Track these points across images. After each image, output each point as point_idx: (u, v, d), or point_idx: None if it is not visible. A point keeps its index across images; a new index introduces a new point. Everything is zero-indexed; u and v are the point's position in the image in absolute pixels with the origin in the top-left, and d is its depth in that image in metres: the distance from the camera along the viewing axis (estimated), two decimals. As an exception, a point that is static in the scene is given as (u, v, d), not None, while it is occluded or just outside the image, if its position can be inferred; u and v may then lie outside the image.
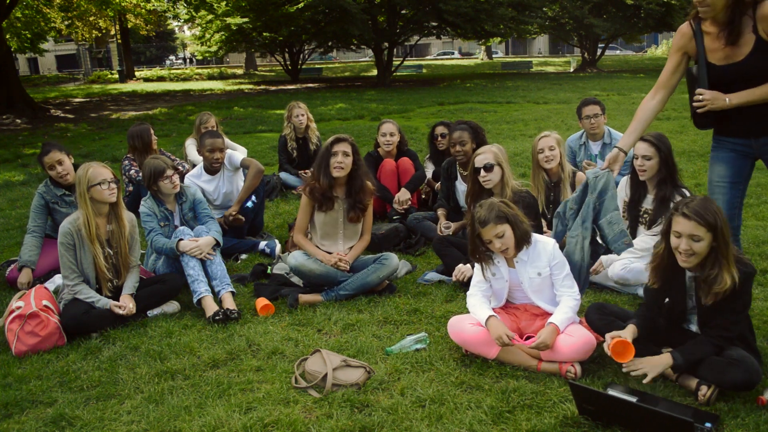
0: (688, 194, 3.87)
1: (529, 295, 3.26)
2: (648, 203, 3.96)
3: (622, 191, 4.14)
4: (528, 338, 3.10)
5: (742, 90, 2.88)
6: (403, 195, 5.38)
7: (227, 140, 6.79)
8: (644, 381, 2.70)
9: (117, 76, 33.85)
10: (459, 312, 3.56)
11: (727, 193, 3.12)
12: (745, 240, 4.69)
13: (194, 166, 5.74)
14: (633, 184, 4.03)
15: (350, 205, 4.10)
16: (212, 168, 5.08)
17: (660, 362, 2.72)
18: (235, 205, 5.08)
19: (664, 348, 2.87)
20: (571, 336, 3.00)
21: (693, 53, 3.06)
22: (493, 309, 3.23)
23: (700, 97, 2.92)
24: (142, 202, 4.22)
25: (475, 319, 3.17)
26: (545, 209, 4.46)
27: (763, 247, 4.54)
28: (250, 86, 26.55)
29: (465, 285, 4.04)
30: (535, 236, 3.22)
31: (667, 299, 2.87)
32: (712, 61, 2.95)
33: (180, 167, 5.76)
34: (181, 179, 4.81)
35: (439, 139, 5.77)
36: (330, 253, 4.11)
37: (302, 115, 6.75)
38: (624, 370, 2.76)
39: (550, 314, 3.20)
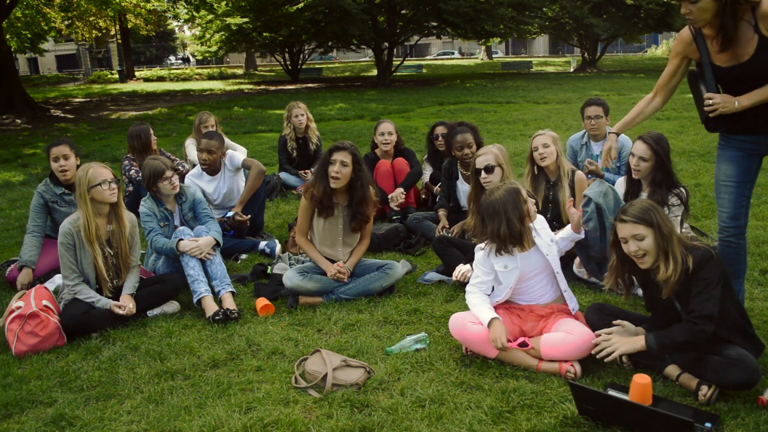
0: (684, 194, 3.88)
1: (554, 264, 3.28)
2: (642, 202, 3.98)
3: (619, 190, 4.14)
4: (522, 344, 3.08)
5: (749, 90, 2.88)
6: (397, 192, 5.39)
7: (228, 140, 6.79)
8: (608, 359, 2.77)
9: (117, 76, 33.85)
10: (459, 311, 3.55)
11: (733, 192, 3.12)
12: (749, 241, 4.68)
13: (194, 166, 5.74)
14: (628, 182, 4.04)
15: (351, 215, 4.03)
16: (209, 168, 5.07)
17: (632, 343, 2.76)
18: (238, 206, 5.08)
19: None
20: (571, 334, 3.00)
21: (695, 57, 3.06)
22: (497, 309, 3.24)
23: (710, 101, 2.92)
24: (141, 203, 4.22)
25: (476, 317, 3.17)
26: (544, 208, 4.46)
27: (763, 247, 4.54)
28: (250, 86, 26.55)
29: (465, 285, 4.04)
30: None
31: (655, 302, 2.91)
32: (717, 63, 2.95)
33: (180, 167, 5.76)
34: (181, 179, 4.81)
35: (440, 139, 5.76)
36: (330, 259, 4.09)
37: (302, 115, 6.75)
38: (594, 351, 2.83)
39: (554, 312, 3.23)
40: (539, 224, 3.36)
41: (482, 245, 3.31)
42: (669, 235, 2.73)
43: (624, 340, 2.79)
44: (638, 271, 2.89)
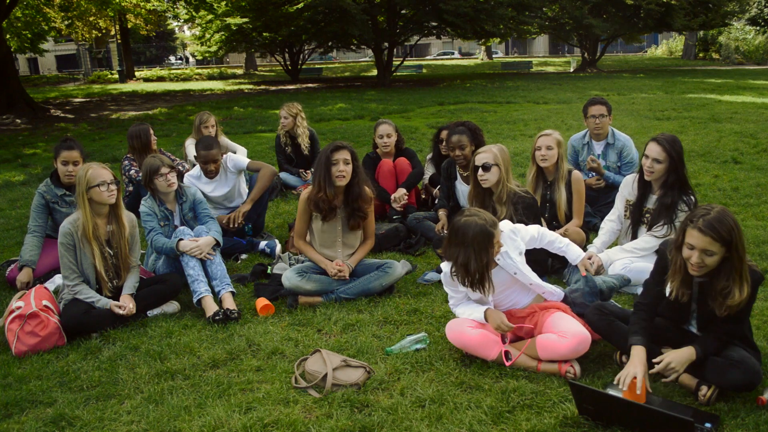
0: (693, 201, 3.82)
1: (525, 279, 3.22)
2: (651, 203, 3.94)
3: (626, 189, 4.12)
4: (506, 355, 3.08)
5: None
6: (399, 193, 5.38)
7: (228, 141, 6.79)
8: (671, 378, 2.69)
9: (117, 76, 33.83)
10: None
11: None
12: (745, 240, 4.69)
13: (194, 165, 5.74)
14: (640, 183, 4.00)
15: (349, 213, 4.02)
16: (207, 176, 5.08)
17: (686, 356, 2.68)
18: (248, 203, 5.09)
19: (663, 348, 2.87)
20: (564, 336, 2.98)
21: None
22: None
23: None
24: (142, 202, 4.23)
25: (473, 321, 3.17)
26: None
27: (763, 247, 4.54)
28: (250, 86, 26.54)
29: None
30: (500, 224, 3.20)
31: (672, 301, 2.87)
32: None
33: (179, 167, 5.75)
34: (181, 179, 4.81)
35: (444, 143, 5.73)
36: (330, 259, 4.09)
37: (285, 118, 6.70)
38: (655, 370, 2.69)
39: (536, 311, 3.21)
40: (507, 239, 3.21)
41: (444, 265, 3.23)
42: (743, 256, 2.58)
43: (678, 356, 2.69)
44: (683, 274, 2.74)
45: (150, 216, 4.15)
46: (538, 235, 3.42)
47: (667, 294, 2.84)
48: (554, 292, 3.34)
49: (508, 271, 3.21)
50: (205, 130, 6.14)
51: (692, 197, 3.84)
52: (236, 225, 4.99)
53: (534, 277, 3.27)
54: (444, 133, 5.73)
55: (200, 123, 6.21)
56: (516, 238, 3.27)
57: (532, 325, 3.16)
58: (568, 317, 3.10)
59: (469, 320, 3.19)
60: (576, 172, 4.42)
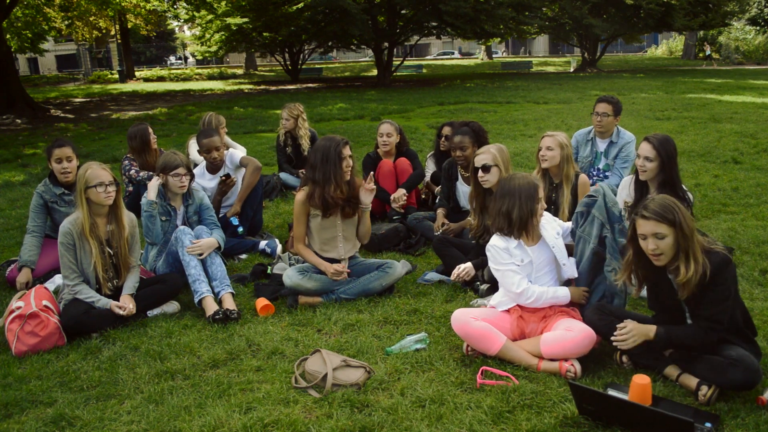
0: (690, 199, 3.86)
1: (560, 256, 3.30)
2: (649, 203, 3.95)
3: (624, 192, 4.13)
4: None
5: None
6: (399, 193, 5.38)
7: (230, 140, 6.79)
8: (625, 346, 2.83)
9: (117, 76, 33.84)
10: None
11: None
12: (745, 240, 4.70)
13: (195, 165, 5.74)
14: (637, 184, 4.02)
15: (344, 203, 4.01)
16: (213, 167, 5.09)
17: (644, 330, 2.79)
18: (237, 203, 5.10)
19: (667, 351, 2.88)
20: (570, 330, 3.01)
21: None
22: (507, 311, 3.28)
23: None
24: (145, 196, 4.21)
25: (478, 313, 3.19)
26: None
27: (763, 247, 4.54)
28: (250, 86, 26.54)
29: (465, 285, 4.05)
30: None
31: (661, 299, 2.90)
32: None
33: None
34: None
35: (443, 140, 5.73)
36: (332, 260, 4.08)
37: (286, 120, 6.71)
38: (615, 334, 2.85)
39: (555, 313, 3.23)
40: (545, 220, 3.39)
41: (494, 241, 3.31)
42: (690, 235, 2.67)
43: (638, 326, 2.82)
44: (652, 268, 2.83)
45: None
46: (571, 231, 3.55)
47: (634, 293, 3.00)
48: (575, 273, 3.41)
49: (548, 243, 3.29)
50: (223, 131, 6.14)
51: (688, 195, 3.86)
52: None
53: (565, 259, 3.35)
54: (446, 129, 5.72)
55: (218, 125, 6.16)
56: (553, 221, 3.46)
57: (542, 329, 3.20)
58: (577, 321, 3.14)
59: (474, 311, 3.20)
60: (583, 176, 4.38)
